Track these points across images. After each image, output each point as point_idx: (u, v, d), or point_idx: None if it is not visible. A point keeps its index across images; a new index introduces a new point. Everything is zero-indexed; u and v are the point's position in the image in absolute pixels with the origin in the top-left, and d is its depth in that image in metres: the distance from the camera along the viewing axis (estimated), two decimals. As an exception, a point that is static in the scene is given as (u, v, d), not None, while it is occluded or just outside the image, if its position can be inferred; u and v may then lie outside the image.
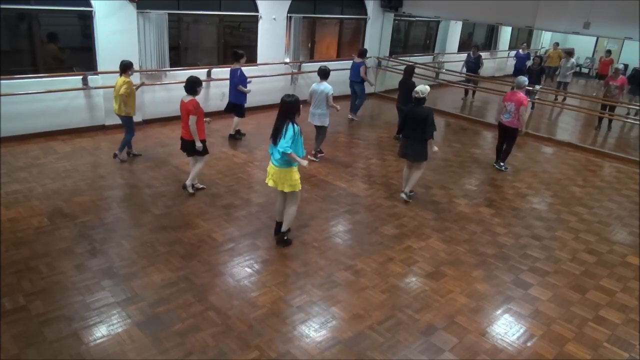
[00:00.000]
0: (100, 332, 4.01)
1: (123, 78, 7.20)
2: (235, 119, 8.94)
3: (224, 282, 4.83)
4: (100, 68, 8.67)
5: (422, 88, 6.55)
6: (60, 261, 4.92)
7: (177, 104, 10.30)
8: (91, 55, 8.66)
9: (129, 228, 5.71)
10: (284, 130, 5.04)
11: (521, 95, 7.98)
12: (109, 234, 5.53)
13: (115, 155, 7.56)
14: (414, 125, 6.51)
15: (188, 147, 6.46)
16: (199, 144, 6.36)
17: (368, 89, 11.81)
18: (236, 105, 8.81)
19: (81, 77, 8.50)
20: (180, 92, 9.79)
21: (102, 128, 8.94)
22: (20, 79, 7.99)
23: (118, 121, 8.95)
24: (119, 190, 6.69)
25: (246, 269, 5.07)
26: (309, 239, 5.73)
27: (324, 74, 7.94)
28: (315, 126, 8.12)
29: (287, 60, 11.55)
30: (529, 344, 4.28)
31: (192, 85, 6.28)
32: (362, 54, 10.90)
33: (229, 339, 4.03)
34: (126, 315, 4.22)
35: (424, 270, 5.29)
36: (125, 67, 7.21)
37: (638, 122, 11.45)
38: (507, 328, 4.47)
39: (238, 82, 8.60)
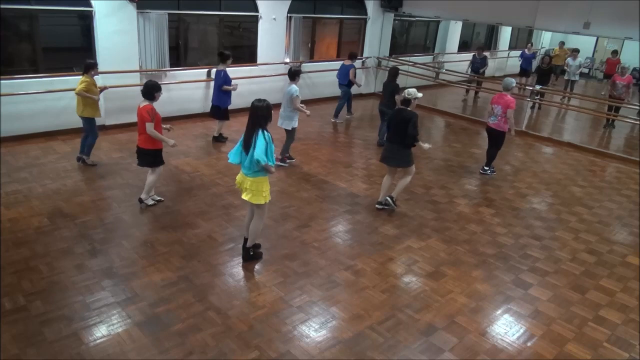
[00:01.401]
0: (100, 332, 4.00)
1: (83, 77, 6.90)
2: (219, 121, 8.83)
3: (224, 282, 4.83)
4: (100, 68, 8.60)
5: (412, 91, 6.29)
6: (60, 261, 4.92)
7: (177, 104, 10.34)
8: (91, 55, 8.66)
9: (129, 228, 5.71)
10: (255, 138, 4.67)
11: (508, 97, 7.77)
12: (109, 234, 5.53)
13: (79, 159, 7.29)
14: (398, 128, 6.22)
15: (141, 156, 6.06)
16: (171, 142, 5.96)
17: (358, 90, 11.82)
18: (219, 108, 8.67)
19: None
20: (180, 92, 9.89)
21: (102, 128, 8.91)
22: (20, 79, 7.99)
23: (118, 121, 9.01)
24: (119, 190, 6.69)
25: (246, 269, 5.06)
26: (309, 239, 5.73)
27: (291, 74, 7.61)
28: (285, 130, 7.84)
29: (287, 60, 11.55)
30: (529, 344, 4.28)
31: (150, 90, 5.82)
32: (352, 56, 10.84)
33: (229, 339, 4.03)
34: (126, 315, 4.22)
35: (424, 270, 5.28)
36: (87, 67, 6.95)
37: (638, 122, 11.46)
38: (507, 328, 4.46)
39: (222, 82, 8.48)
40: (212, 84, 10.10)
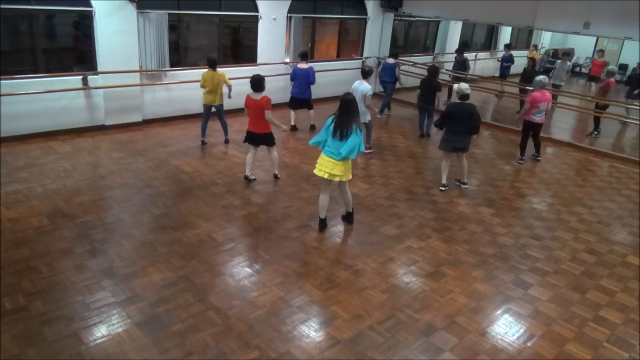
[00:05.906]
0: (100, 332, 4.00)
1: (219, 73, 8.13)
2: (311, 112, 9.88)
3: (224, 282, 4.83)
4: (100, 68, 8.67)
5: (464, 86, 7.21)
6: (60, 261, 4.92)
7: (177, 104, 10.40)
8: (91, 55, 8.66)
9: (129, 228, 5.71)
10: (352, 130, 5.40)
11: (548, 94, 8.58)
12: (109, 234, 5.53)
13: (227, 141, 8.73)
14: (462, 120, 7.08)
15: (259, 139, 6.96)
16: (283, 127, 7.09)
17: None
18: (305, 101, 9.68)
19: (81, 77, 8.49)
20: (180, 92, 9.88)
21: (102, 128, 8.93)
22: (20, 79, 7.98)
23: (118, 121, 9.05)
24: (119, 190, 6.69)
25: (246, 269, 5.07)
26: (309, 239, 5.73)
27: (364, 73, 8.38)
28: (364, 123, 8.40)
29: (287, 60, 11.55)
30: (529, 344, 4.28)
31: (259, 83, 6.74)
32: (395, 55, 11.62)
33: (229, 339, 4.03)
34: (126, 315, 4.22)
35: (424, 270, 5.29)
36: (215, 62, 8.17)
37: (638, 122, 11.43)
38: (507, 328, 4.47)
39: (314, 80, 9.53)
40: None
